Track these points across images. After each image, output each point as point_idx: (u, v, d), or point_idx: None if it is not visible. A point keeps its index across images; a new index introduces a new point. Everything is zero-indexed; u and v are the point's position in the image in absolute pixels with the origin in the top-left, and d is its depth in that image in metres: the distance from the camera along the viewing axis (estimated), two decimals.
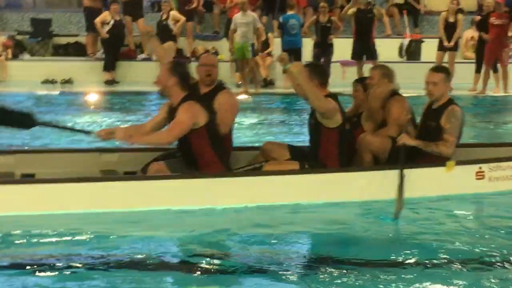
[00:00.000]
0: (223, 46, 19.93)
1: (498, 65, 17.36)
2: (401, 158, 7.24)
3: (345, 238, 6.50)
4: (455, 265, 5.66)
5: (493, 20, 17.20)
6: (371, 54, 17.53)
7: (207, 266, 5.63)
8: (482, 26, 17.70)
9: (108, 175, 7.61)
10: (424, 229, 6.65)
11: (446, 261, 5.78)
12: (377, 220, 6.88)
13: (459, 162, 7.56)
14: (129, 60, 19.22)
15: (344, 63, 18.71)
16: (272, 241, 6.31)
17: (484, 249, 6.03)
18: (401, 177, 7.09)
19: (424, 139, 7.50)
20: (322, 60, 17.68)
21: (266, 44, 19.11)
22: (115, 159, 7.96)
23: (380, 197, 7.21)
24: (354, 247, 6.31)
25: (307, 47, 18.33)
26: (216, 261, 5.74)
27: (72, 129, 8.07)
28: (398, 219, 6.79)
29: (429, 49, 18.79)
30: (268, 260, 5.81)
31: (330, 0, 21.00)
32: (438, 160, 7.48)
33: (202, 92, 7.63)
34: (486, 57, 17.20)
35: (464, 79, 17.52)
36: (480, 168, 7.65)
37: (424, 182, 7.35)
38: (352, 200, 7.24)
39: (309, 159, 7.48)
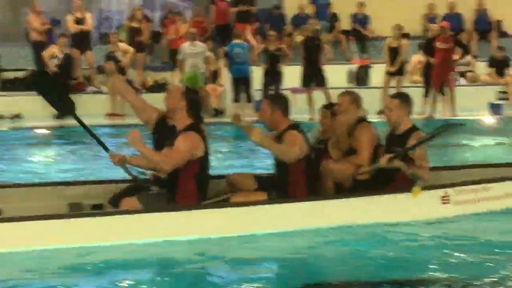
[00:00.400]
0: (173, 76, 19.99)
1: (446, 88, 17.59)
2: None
3: (315, 265, 6.55)
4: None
5: (438, 44, 17.46)
6: (321, 81, 17.65)
7: None
8: (429, 50, 17.96)
9: (78, 212, 7.54)
10: (393, 253, 6.71)
11: (413, 284, 5.86)
12: (349, 246, 6.95)
13: (425, 187, 7.62)
14: (78, 93, 19.08)
15: (294, 90, 18.79)
16: (247, 272, 6.34)
17: (452, 273, 6.13)
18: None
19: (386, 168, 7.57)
20: (272, 88, 17.78)
21: (216, 74, 19.16)
22: (82, 191, 7.93)
23: (355, 223, 7.33)
24: (325, 273, 6.36)
25: (258, 74, 18.42)
26: None
27: (97, 138, 7.98)
28: (368, 244, 6.89)
29: (377, 74, 19.02)
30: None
31: (279, 28, 21.18)
32: (405, 186, 7.54)
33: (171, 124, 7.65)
34: (433, 80, 17.43)
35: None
36: (446, 192, 7.73)
37: (391, 207, 7.42)
38: (328, 226, 7.28)
39: (277, 189, 7.48)
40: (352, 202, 7.46)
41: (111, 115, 18.29)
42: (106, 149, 7.76)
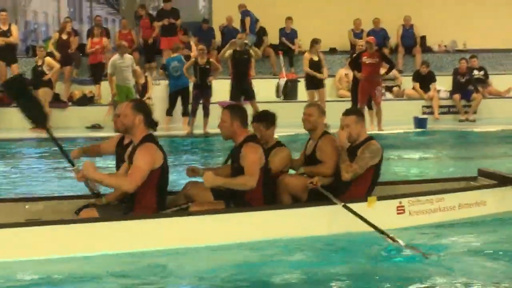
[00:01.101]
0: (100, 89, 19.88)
1: (373, 103, 17.82)
2: (329, 195, 7.49)
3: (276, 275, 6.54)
4: None
5: (365, 59, 17.69)
6: (249, 95, 17.73)
7: None
8: (355, 65, 18.20)
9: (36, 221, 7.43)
10: (346, 264, 6.78)
11: None
12: (303, 256, 6.99)
13: (380, 198, 7.76)
14: (3, 107, 18.76)
15: (222, 104, 18.83)
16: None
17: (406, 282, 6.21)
18: (352, 210, 7.33)
19: (339, 179, 7.72)
20: (201, 101, 17.77)
21: (144, 87, 19.09)
22: (41, 208, 7.85)
23: (313, 233, 7.40)
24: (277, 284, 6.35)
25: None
26: None
27: (64, 153, 7.86)
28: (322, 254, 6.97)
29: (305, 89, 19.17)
30: None
31: (208, 42, 21.22)
32: (360, 195, 7.69)
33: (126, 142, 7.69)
34: (359, 95, 17.63)
35: (338, 117, 17.97)
36: (400, 202, 7.85)
37: (346, 218, 7.42)
38: (286, 237, 7.32)
39: (234, 199, 7.50)
40: (307, 211, 7.56)
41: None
42: (71, 163, 7.72)
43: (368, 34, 21.41)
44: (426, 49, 23.33)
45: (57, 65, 18.98)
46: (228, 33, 21.45)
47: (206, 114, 17.83)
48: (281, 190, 7.83)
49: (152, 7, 31.56)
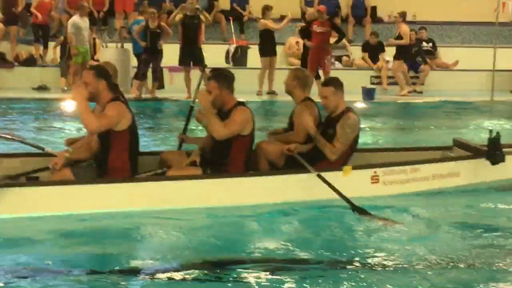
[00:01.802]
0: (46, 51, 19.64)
1: (321, 72, 17.86)
2: (305, 163, 7.52)
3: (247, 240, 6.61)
4: (348, 265, 5.91)
5: (315, 28, 17.72)
6: (199, 60, 17.63)
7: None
8: (305, 33, 18.22)
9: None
10: (316, 232, 6.82)
11: (341, 260, 6.03)
12: (280, 223, 7.03)
13: (355, 167, 7.81)
14: None
15: (171, 69, 18.74)
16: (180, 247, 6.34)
17: (378, 251, 6.26)
18: (325, 180, 7.36)
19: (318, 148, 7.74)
20: (151, 65, 17.62)
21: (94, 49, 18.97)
22: (17, 164, 7.84)
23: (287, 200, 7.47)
24: (254, 249, 6.37)
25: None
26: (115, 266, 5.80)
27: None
28: (295, 222, 7.02)
29: (255, 56, 19.14)
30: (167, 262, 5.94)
31: (158, 6, 21.01)
32: (334, 165, 7.73)
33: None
34: (309, 64, 17.61)
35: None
36: (375, 172, 7.91)
37: (320, 186, 7.45)
38: (259, 203, 7.38)
39: (214, 165, 7.54)
40: (283, 179, 7.63)
41: None
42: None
43: (320, 3, 21.41)
44: (377, 20, 23.40)
45: (1, 25, 18.66)
46: None
47: (156, 78, 17.72)
48: (258, 156, 7.83)
49: None
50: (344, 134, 7.74)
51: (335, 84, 8.05)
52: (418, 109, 17.82)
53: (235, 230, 6.87)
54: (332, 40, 18.36)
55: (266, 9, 18.77)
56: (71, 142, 8.04)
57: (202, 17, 18.01)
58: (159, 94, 17.61)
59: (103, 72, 7.31)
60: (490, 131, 8.47)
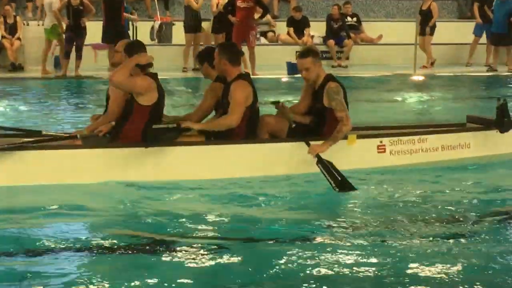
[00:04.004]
0: None
1: (246, 47, 17.84)
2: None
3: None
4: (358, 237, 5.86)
5: (239, 3, 17.66)
6: (122, 37, 17.38)
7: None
8: (230, 9, 18.14)
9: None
10: (328, 199, 6.97)
11: (347, 231, 6.03)
12: (284, 193, 7.12)
13: (361, 136, 7.80)
14: None
15: (95, 47, 18.49)
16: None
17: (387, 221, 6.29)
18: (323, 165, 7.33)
19: (316, 121, 7.76)
20: (75, 43, 17.34)
21: (14, 27, 18.57)
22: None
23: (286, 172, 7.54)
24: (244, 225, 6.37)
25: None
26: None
27: None
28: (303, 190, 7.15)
29: (180, 32, 19.04)
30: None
31: None
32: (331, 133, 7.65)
33: None
34: (234, 39, 17.45)
35: None
36: (381, 142, 7.91)
37: (327, 155, 7.40)
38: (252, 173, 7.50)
39: (217, 134, 7.66)
40: (289, 146, 7.67)
41: None
42: None
43: None
44: None
45: None
46: None
47: (79, 56, 17.46)
48: (261, 128, 7.87)
49: None
50: (338, 102, 7.64)
51: (313, 54, 7.94)
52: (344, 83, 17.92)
53: (233, 200, 6.97)
54: (257, 15, 18.36)
55: None
56: (96, 118, 8.18)
57: None
58: (83, 72, 17.39)
59: (130, 49, 7.53)
60: (498, 99, 8.36)
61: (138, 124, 7.34)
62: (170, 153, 7.41)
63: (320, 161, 7.33)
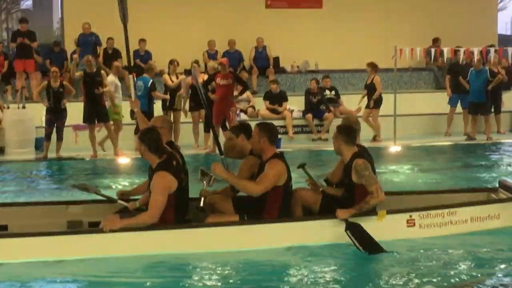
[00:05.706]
0: None
1: (227, 124, 17.89)
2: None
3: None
4: None
5: (218, 80, 17.80)
6: (103, 117, 17.47)
7: None
8: (209, 86, 18.27)
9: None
10: (362, 271, 7.20)
11: None
12: (316, 265, 7.36)
13: (390, 211, 7.98)
14: None
15: (76, 127, 18.52)
16: None
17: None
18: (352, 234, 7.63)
19: (346, 195, 8.02)
20: (55, 125, 17.30)
21: None
22: (80, 210, 8.59)
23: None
24: None
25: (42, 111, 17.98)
26: None
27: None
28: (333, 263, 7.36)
29: (159, 112, 19.09)
30: None
31: (60, 64, 20.86)
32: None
33: None
34: (214, 116, 17.60)
35: (192, 138, 18.88)
36: (411, 216, 8.06)
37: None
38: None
39: (251, 211, 7.91)
40: (320, 224, 7.90)
41: None
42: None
43: (223, 55, 21.56)
44: (280, 70, 23.74)
45: None
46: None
47: (60, 138, 17.39)
48: (295, 201, 8.14)
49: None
50: (368, 177, 7.88)
51: (341, 132, 8.38)
52: (324, 156, 17.95)
53: (272, 272, 7.26)
54: (236, 92, 18.51)
55: (170, 63, 18.97)
56: (121, 193, 8.63)
57: (103, 73, 17.93)
58: (63, 152, 17.32)
59: (144, 136, 7.93)
60: None
61: (168, 208, 7.74)
62: (205, 234, 7.80)
63: (348, 226, 7.62)
